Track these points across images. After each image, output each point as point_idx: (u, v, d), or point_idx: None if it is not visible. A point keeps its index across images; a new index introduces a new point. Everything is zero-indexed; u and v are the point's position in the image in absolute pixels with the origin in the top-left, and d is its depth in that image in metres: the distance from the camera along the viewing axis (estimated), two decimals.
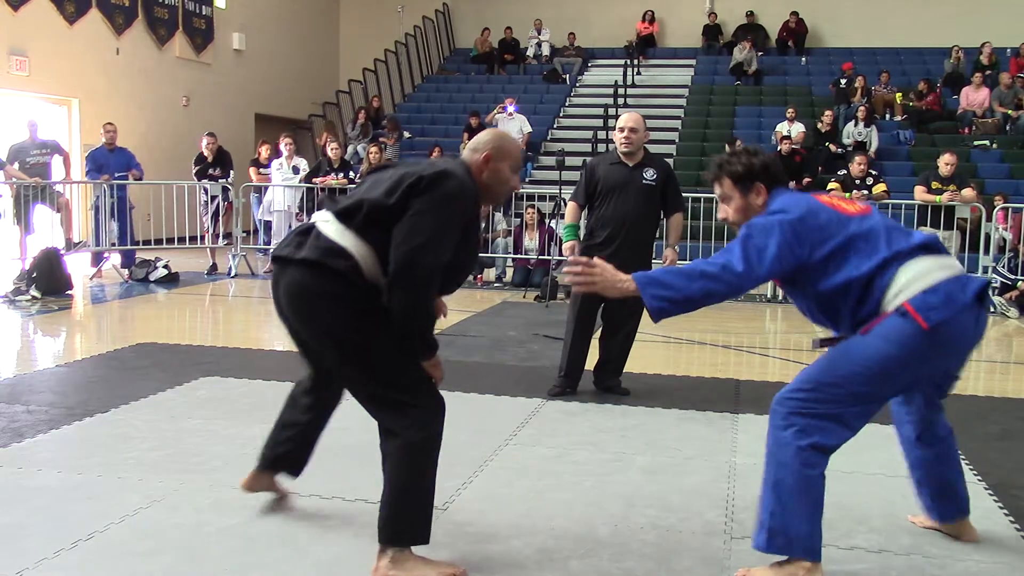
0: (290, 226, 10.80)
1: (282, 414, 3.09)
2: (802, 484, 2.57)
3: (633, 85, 16.49)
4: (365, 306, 2.55)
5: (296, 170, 10.75)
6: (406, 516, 2.61)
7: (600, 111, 14.90)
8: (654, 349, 6.44)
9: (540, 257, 9.80)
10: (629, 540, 2.97)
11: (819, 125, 13.39)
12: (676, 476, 3.63)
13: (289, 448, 3.07)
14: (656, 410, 4.66)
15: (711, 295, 2.57)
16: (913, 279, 2.55)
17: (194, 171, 10.63)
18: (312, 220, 2.70)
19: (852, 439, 2.64)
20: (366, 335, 2.56)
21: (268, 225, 10.94)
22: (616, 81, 15.92)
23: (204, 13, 15.47)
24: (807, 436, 2.57)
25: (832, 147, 13.01)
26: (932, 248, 2.65)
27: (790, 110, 13.71)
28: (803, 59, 17.37)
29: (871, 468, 3.71)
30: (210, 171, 10.54)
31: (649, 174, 4.88)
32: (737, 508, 3.28)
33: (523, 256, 9.98)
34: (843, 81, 14.97)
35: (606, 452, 3.93)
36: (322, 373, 2.93)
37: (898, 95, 14.78)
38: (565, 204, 6.54)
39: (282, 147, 10.82)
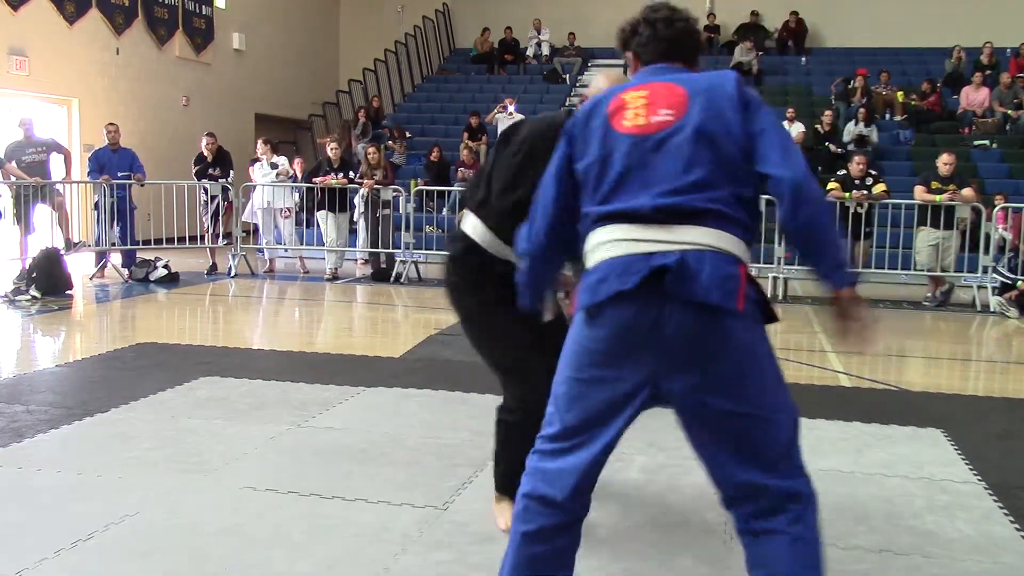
0: (275, 223, 10.87)
1: None
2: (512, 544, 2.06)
3: None
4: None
5: (274, 166, 10.84)
6: (512, 475, 2.79)
7: None
8: None
9: None
10: (629, 540, 2.97)
11: (818, 125, 13.39)
12: (676, 476, 3.63)
13: None
14: (656, 410, 4.64)
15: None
16: (587, 253, 2.02)
17: (194, 171, 10.64)
18: None
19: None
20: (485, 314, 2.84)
21: (256, 225, 11.01)
22: None
23: (204, 13, 15.48)
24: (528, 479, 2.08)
25: (832, 147, 13.01)
26: (642, 215, 1.92)
27: (790, 110, 13.71)
28: (803, 59, 17.38)
29: (871, 468, 3.71)
30: (210, 171, 10.55)
31: None
32: None
33: None
34: (852, 82, 14.96)
35: None
36: None
37: (899, 94, 14.78)
38: None
39: (258, 151, 11.04)
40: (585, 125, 2.06)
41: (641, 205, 1.91)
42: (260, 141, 11.16)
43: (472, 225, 2.80)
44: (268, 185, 10.76)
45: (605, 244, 1.94)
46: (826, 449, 3.89)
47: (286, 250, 11.21)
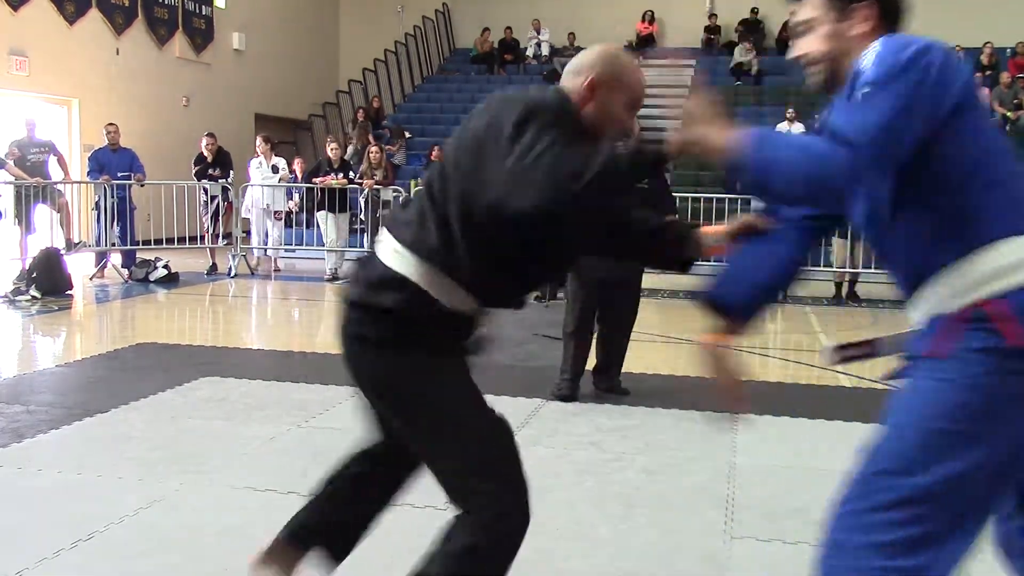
0: (268, 223, 10.87)
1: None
2: None
3: None
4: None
5: (275, 169, 10.83)
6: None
7: None
8: (654, 349, 6.43)
9: None
10: (629, 540, 2.97)
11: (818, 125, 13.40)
12: (676, 476, 3.63)
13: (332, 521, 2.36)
14: (656, 410, 4.66)
15: (802, 173, 1.54)
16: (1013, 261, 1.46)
17: (194, 171, 10.64)
18: None
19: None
20: None
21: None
22: None
23: (204, 13, 15.47)
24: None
25: None
26: None
27: (790, 110, 13.72)
28: None
29: None
30: (210, 171, 10.55)
31: None
32: (737, 508, 3.27)
33: None
34: None
35: (606, 452, 3.93)
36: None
37: None
38: None
39: (258, 149, 11.01)
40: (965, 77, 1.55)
41: None
42: (260, 138, 11.13)
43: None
44: (266, 186, 10.74)
45: None
46: (826, 449, 3.90)
47: (288, 250, 11.23)
